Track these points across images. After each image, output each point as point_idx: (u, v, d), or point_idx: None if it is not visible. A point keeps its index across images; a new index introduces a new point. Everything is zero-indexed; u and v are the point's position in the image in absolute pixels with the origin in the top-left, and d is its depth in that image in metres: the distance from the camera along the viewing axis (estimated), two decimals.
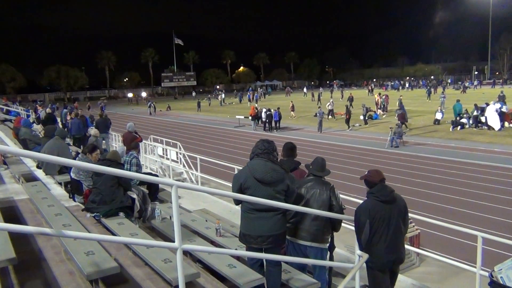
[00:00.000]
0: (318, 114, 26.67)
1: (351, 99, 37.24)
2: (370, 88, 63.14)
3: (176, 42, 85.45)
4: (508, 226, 9.74)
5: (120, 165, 6.28)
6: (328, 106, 32.17)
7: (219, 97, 59.13)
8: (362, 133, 25.14)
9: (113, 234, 5.06)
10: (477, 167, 15.51)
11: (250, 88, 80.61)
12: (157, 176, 10.73)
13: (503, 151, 17.82)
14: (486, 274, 3.98)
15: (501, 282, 3.67)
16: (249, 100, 56.38)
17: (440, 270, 6.70)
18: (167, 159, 14.04)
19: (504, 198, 11.78)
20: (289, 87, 77.84)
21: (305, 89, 70.81)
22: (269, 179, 4.07)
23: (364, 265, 4.52)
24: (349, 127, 26.64)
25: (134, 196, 5.93)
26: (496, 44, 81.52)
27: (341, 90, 57.89)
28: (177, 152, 13.89)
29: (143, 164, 12.66)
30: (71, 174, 6.88)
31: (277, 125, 28.38)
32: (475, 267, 5.01)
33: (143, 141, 13.90)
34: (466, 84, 65.34)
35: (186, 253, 4.92)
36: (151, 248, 4.39)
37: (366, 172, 4.61)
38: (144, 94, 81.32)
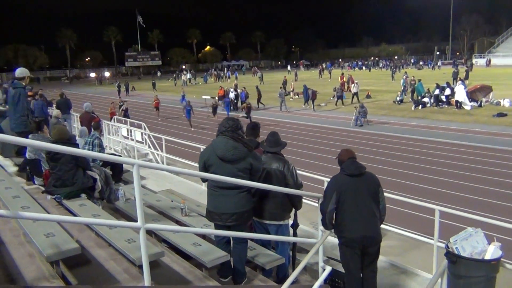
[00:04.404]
0: (279, 95, 27.18)
1: (284, 82, 35.45)
2: (321, 68, 59.41)
3: (139, 20, 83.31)
4: (464, 199, 10.20)
5: (74, 145, 6.06)
6: (353, 89, 29.58)
7: (183, 77, 57.04)
8: (328, 112, 25.48)
9: (74, 215, 4.95)
10: (436, 144, 16.07)
11: (217, 68, 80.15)
12: (120, 156, 10.54)
13: (461, 129, 18.49)
14: (443, 245, 4.15)
15: (456, 253, 3.86)
16: (228, 78, 55.75)
17: (401, 243, 6.92)
18: (132, 140, 13.79)
19: (460, 173, 12.30)
20: (255, 67, 77.51)
21: (289, 67, 70.61)
22: (230, 157, 4.04)
23: (328, 239, 4.61)
24: (258, 106, 28.58)
25: (96, 176, 5.80)
26: (458, 25, 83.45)
27: (329, 71, 53.75)
28: (142, 133, 13.65)
29: (106, 146, 12.40)
30: (27, 154, 6.64)
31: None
32: (433, 240, 5.22)
33: (105, 121, 13.58)
34: (421, 63, 67.45)
35: (151, 233, 4.88)
36: (114, 229, 4.32)
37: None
38: (107, 74, 79.06)
